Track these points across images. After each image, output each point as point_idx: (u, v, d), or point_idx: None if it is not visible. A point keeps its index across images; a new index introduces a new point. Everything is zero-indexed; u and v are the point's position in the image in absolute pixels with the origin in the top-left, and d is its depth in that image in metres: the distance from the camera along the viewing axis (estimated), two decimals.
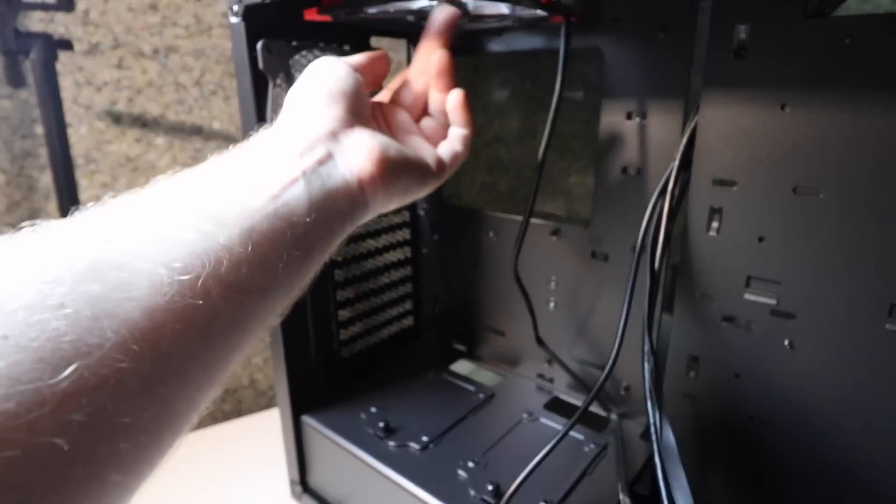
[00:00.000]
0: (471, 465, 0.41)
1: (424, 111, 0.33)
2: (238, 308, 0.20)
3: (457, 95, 0.32)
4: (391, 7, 0.36)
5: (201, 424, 1.04)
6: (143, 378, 0.16)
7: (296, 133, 0.25)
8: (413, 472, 0.41)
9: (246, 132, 0.42)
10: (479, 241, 0.54)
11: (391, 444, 0.44)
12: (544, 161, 0.38)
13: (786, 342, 0.35)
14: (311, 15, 0.39)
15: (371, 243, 0.55)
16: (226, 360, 0.20)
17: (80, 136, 0.92)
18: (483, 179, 0.88)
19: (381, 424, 0.45)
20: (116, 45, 0.93)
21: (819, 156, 0.31)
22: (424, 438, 0.44)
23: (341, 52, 0.47)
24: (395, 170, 0.27)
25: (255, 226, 0.20)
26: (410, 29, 0.49)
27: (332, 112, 0.26)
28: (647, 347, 0.35)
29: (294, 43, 0.43)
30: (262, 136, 0.25)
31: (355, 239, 0.53)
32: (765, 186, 0.34)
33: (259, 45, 0.39)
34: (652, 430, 0.33)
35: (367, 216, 0.27)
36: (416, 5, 0.36)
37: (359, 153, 0.26)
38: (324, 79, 0.27)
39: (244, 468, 0.59)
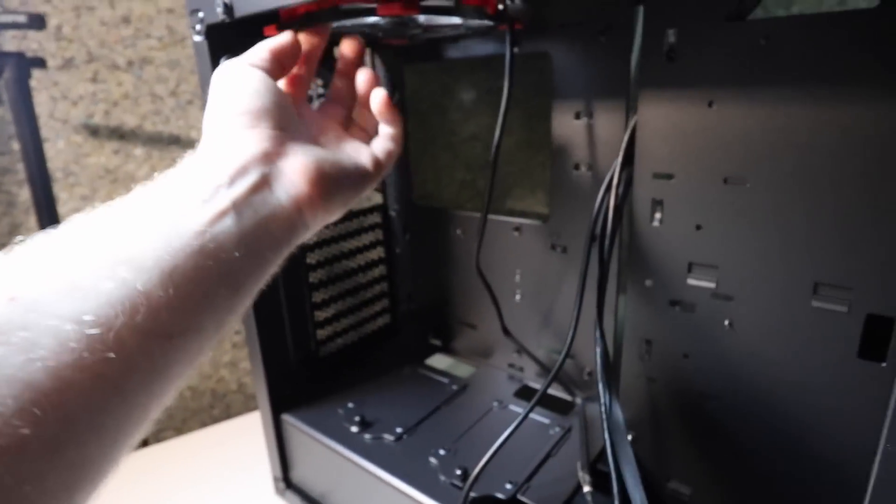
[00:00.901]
0: (442, 452, 0.43)
1: (351, 108, 0.33)
2: (158, 356, 0.19)
3: (379, 96, 0.32)
4: (346, 23, 0.38)
5: (189, 428, 1.05)
6: (47, 442, 0.15)
7: (223, 158, 0.23)
8: (387, 462, 0.43)
9: None
10: (448, 239, 0.57)
11: (367, 437, 0.46)
12: (496, 161, 0.41)
13: (726, 322, 0.38)
14: (271, 31, 0.41)
15: (344, 245, 0.57)
16: (147, 408, 0.19)
17: (58, 150, 0.93)
18: (462, 177, 0.90)
19: (357, 419, 0.47)
20: (90, 59, 0.94)
21: (745, 148, 0.34)
22: (399, 430, 0.46)
23: None
24: (333, 185, 0.26)
25: (177, 266, 0.19)
26: (371, 38, 0.51)
27: (260, 133, 0.25)
28: (597, 333, 0.38)
29: None
30: (188, 163, 0.24)
31: (328, 241, 0.54)
32: (699, 178, 0.36)
33: (222, 61, 0.41)
34: (602, 409, 0.35)
35: (306, 236, 0.26)
36: (369, 21, 0.38)
37: (294, 175, 0.24)
38: (241, 95, 0.26)
39: (231, 468, 0.61)
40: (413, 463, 0.43)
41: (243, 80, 0.26)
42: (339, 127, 0.33)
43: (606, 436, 0.34)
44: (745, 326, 0.37)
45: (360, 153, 0.30)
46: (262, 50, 0.29)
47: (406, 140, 0.58)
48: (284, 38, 0.30)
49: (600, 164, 0.42)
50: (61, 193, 0.90)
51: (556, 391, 0.51)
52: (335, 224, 0.55)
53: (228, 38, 0.41)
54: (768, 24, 0.31)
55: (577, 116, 0.43)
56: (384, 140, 0.33)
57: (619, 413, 0.35)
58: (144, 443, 0.96)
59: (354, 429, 0.47)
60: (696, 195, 0.36)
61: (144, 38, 0.98)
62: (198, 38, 0.40)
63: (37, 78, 0.89)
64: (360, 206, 0.59)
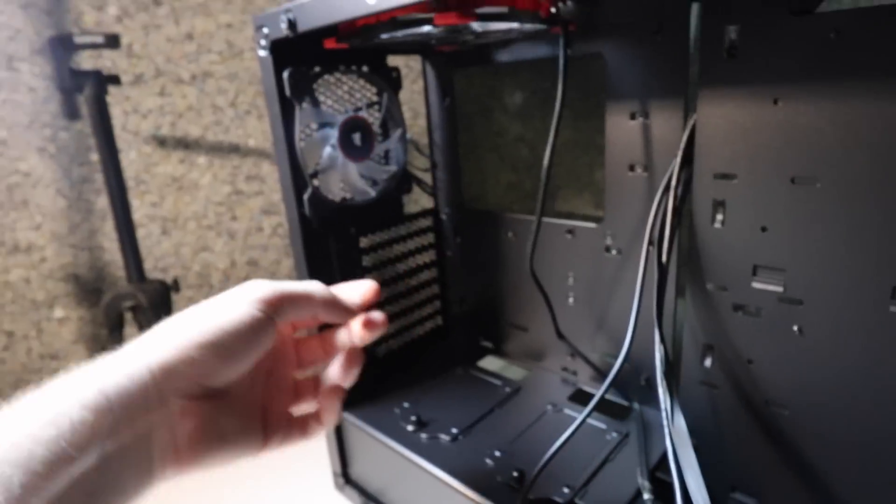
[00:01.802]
0: (497, 454, 0.44)
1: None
2: None
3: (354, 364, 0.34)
4: (400, 33, 0.39)
5: None
6: None
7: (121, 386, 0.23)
8: (444, 461, 0.44)
9: (279, 153, 0.46)
10: (499, 241, 0.57)
11: (423, 436, 0.47)
12: (551, 165, 0.41)
13: (794, 328, 0.36)
14: (331, 44, 0.42)
15: (397, 248, 0.58)
16: None
17: (130, 161, 0.99)
18: (508, 179, 0.90)
19: (414, 418, 0.48)
20: (158, 74, 1.00)
21: (814, 146, 0.32)
22: (454, 430, 0.47)
23: (360, 74, 0.50)
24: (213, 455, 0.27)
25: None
26: (424, 46, 0.52)
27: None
28: (657, 337, 0.37)
29: (316, 69, 0.46)
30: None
31: (382, 245, 0.56)
32: (764, 178, 0.35)
33: (285, 74, 0.43)
34: (664, 415, 0.35)
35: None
36: (423, 30, 0.39)
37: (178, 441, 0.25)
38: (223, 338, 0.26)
39: (292, 463, 0.63)
40: (469, 463, 0.43)
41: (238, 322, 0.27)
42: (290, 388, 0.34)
43: (668, 442, 0.33)
44: (817, 332, 0.35)
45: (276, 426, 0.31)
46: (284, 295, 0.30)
47: (456, 145, 0.59)
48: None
49: (657, 165, 0.42)
50: (134, 200, 0.96)
51: (612, 396, 0.50)
52: (388, 228, 0.56)
53: (290, 51, 0.43)
54: (839, 16, 0.30)
55: (633, 117, 0.42)
56: (310, 420, 0.34)
57: (681, 420, 0.34)
58: None
59: (411, 428, 0.48)
60: (762, 195, 0.35)
61: (206, 52, 1.03)
62: (263, 53, 0.42)
63: (111, 94, 0.95)
64: (411, 209, 0.60)
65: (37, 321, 1.01)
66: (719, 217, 0.38)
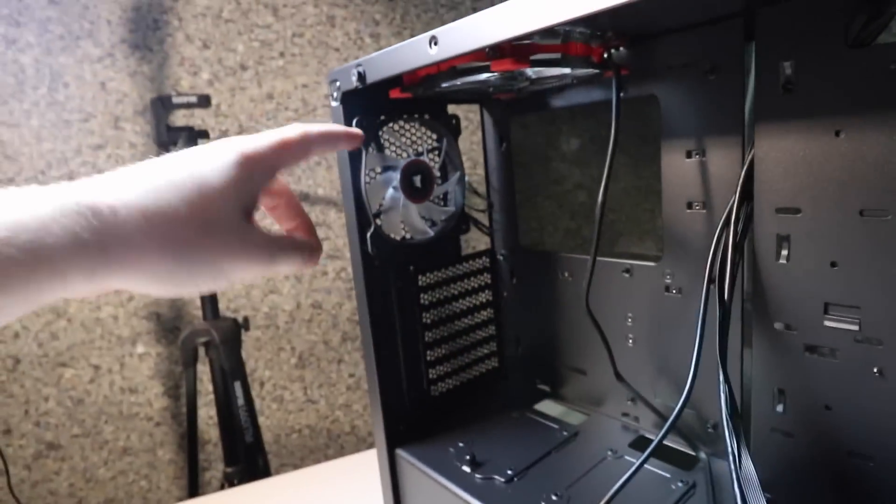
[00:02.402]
0: (554, 497, 0.42)
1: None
2: None
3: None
4: (459, 81, 0.42)
5: (306, 465, 1.11)
6: None
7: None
8: (498, 502, 0.43)
9: (345, 193, 0.49)
10: (554, 282, 0.57)
11: (478, 476, 0.46)
12: (604, 206, 0.41)
13: (875, 370, 0.34)
14: (395, 93, 0.46)
15: (454, 287, 0.59)
16: None
17: None
18: (566, 226, 0.91)
19: (468, 458, 0.48)
20: (241, 131, 1.10)
21: (882, 178, 0.31)
22: (509, 472, 0.46)
23: (422, 122, 0.54)
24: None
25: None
26: (482, 95, 0.55)
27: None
28: (720, 378, 0.36)
29: (382, 117, 0.50)
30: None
31: (440, 283, 0.57)
32: (830, 211, 0.34)
33: (354, 122, 0.47)
34: (730, 458, 0.33)
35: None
36: (481, 77, 0.41)
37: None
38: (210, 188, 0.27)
39: (344, 500, 0.63)
40: None
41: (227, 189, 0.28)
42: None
43: (736, 488, 0.31)
44: None
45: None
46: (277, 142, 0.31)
47: (512, 187, 0.61)
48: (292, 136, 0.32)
49: (715, 202, 0.41)
50: None
51: (677, 444, 0.48)
52: (445, 267, 0.58)
53: (359, 101, 0.47)
54: None
55: (689, 155, 0.42)
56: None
57: (750, 467, 0.32)
58: (266, 473, 1.03)
59: (465, 468, 0.47)
60: (829, 229, 0.34)
61: (283, 110, 1.13)
62: (334, 104, 0.47)
63: None
64: (468, 250, 0.61)
65: (120, 356, 1.09)
66: (784, 252, 0.37)
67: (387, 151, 0.51)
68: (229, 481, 0.96)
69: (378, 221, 0.50)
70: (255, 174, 0.29)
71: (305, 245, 0.33)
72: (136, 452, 1.11)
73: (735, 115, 0.39)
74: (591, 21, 0.36)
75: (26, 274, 0.22)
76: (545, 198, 0.84)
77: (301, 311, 1.24)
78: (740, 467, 0.32)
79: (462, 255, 0.60)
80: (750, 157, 0.37)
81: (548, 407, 0.60)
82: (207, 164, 0.28)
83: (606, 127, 0.63)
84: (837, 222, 0.34)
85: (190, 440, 1.02)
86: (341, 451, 1.27)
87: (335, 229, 1.27)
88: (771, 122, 0.35)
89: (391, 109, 0.50)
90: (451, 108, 0.57)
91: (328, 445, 1.28)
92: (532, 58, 0.35)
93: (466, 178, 0.58)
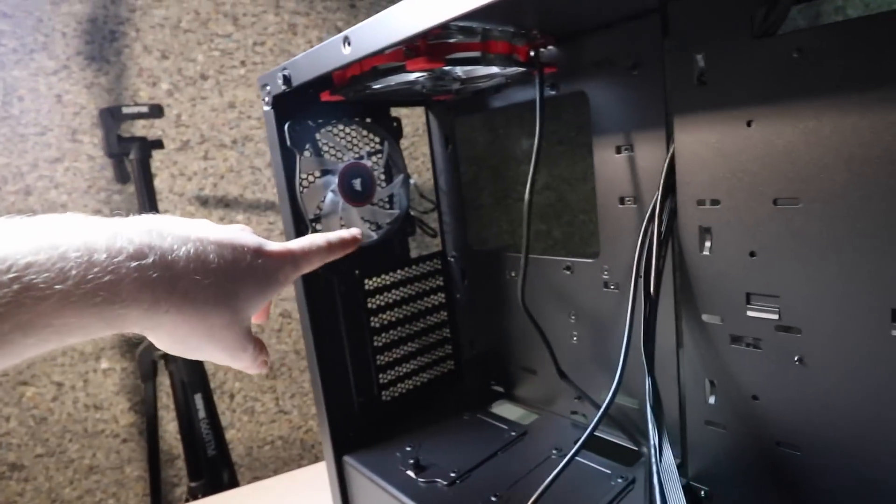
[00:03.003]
0: (493, 498, 0.42)
1: None
2: None
3: None
4: (391, 81, 0.42)
5: (259, 476, 1.09)
6: None
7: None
8: None
9: (281, 199, 0.49)
10: (503, 282, 0.57)
11: (420, 480, 0.46)
12: (531, 203, 0.41)
13: (795, 358, 0.34)
14: (326, 96, 0.46)
15: (405, 290, 0.59)
16: None
17: None
18: (536, 227, 0.91)
19: (412, 461, 0.47)
20: (203, 140, 1.09)
21: (792, 166, 0.32)
22: (452, 475, 0.46)
23: (362, 125, 0.53)
24: None
25: None
26: (423, 96, 0.55)
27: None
28: (646, 369, 0.36)
29: (319, 120, 0.50)
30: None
31: (389, 287, 0.57)
32: (746, 201, 0.34)
33: (286, 126, 0.46)
34: (652, 450, 0.33)
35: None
36: (409, 77, 0.41)
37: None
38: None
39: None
40: None
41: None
42: None
43: (655, 480, 0.31)
44: (818, 362, 0.33)
45: None
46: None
47: (460, 189, 0.61)
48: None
49: (645, 197, 0.41)
50: None
51: (620, 440, 0.48)
52: (394, 270, 0.57)
53: (290, 105, 0.46)
54: (798, 36, 0.30)
55: (618, 150, 0.42)
56: None
57: (670, 456, 0.32)
58: (233, 487, 1.01)
59: (410, 472, 0.47)
60: (746, 219, 0.34)
61: (246, 119, 1.12)
62: (266, 108, 0.46)
63: (160, 159, 1.05)
64: (419, 252, 0.61)
65: (84, 372, 1.07)
66: (707, 244, 0.37)
67: (325, 155, 0.50)
68: (193, 496, 0.94)
69: (318, 227, 0.49)
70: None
71: (265, 350, 0.34)
72: (102, 470, 1.09)
73: (658, 110, 0.39)
74: (503, 18, 0.36)
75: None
76: (515, 200, 0.84)
77: (270, 320, 1.22)
78: (661, 460, 0.32)
79: (412, 258, 0.60)
80: (671, 150, 0.37)
81: (502, 408, 0.59)
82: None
83: (574, 128, 0.63)
84: (753, 212, 0.34)
85: (150, 456, 0.99)
86: (315, 462, 1.25)
87: None
88: (688, 115, 0.36)
89: (326, 113, 0.50)
90: (394, 111, 0.57)
91: (302, 456, 1.26)
92: (447, 57, 0.35)
93: (413, 181, 0.57)
